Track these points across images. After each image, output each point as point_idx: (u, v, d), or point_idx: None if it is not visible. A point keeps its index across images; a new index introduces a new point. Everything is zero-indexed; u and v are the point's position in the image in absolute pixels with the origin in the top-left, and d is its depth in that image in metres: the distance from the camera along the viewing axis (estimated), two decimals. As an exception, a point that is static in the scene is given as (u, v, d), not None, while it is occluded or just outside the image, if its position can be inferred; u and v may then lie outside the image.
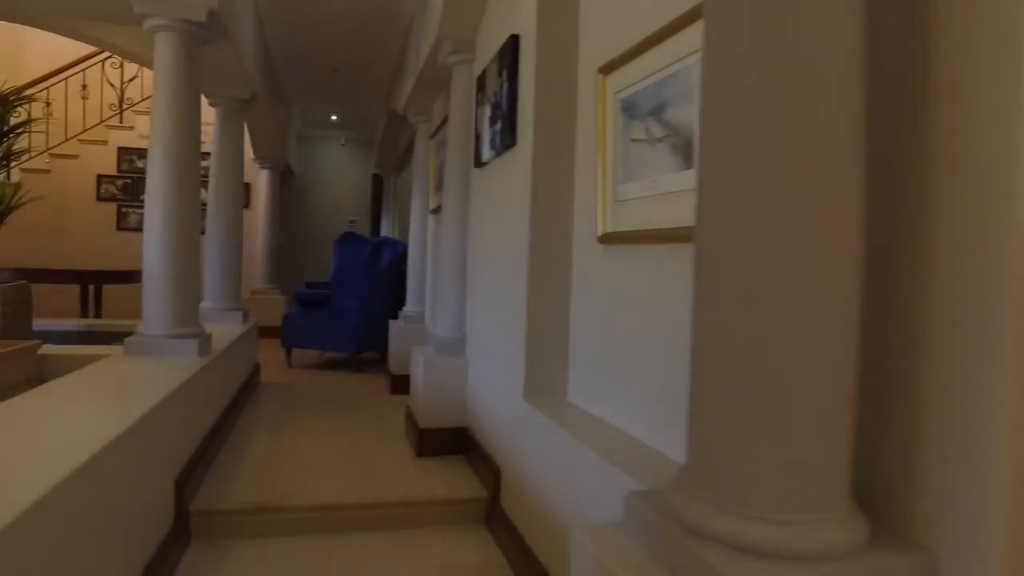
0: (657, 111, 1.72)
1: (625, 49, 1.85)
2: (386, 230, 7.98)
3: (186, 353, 2.89)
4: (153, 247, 2.91)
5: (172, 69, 2.94)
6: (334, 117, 8.13)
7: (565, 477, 1.88)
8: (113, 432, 1.68)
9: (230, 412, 3.46)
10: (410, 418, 3.42)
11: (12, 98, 3.59)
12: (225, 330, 3.91)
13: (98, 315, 5.66)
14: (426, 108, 4.58)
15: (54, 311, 5.72)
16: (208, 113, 4.46)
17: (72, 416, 1.97)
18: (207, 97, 4.36)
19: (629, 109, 1.87)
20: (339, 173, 9.14)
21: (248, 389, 4.18)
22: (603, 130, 2.01)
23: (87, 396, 2.22)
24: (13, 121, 3.68)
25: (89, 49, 6.81)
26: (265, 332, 7.22)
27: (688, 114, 1.57)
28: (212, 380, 3.03)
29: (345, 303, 5.25)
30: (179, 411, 2.41)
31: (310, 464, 2.97)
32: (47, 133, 6.86)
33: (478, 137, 2.95)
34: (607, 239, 2.00)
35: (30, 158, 6.83)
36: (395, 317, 5.88)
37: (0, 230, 6.76)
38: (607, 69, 1.97)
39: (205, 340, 3.04)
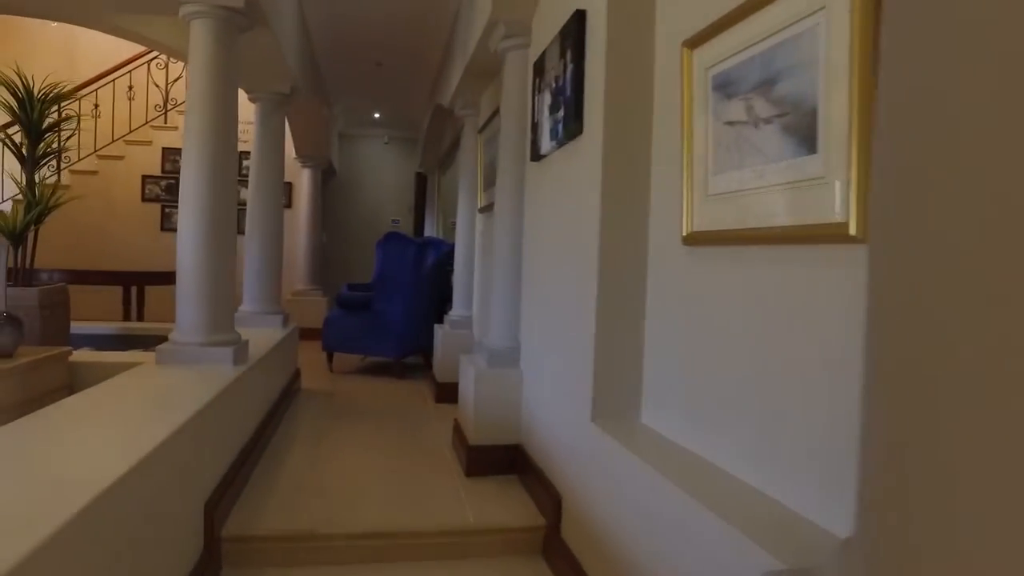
0: (764, 86, 1.43)
1: (720, 15, 1.57)
2: (430, 230, 7.79)
3: (220, 362, 2.70)
4: (187, 249, 2.73)
5: (208, 58, 2.75)
6: (377, 115, 7.97)
7: (643, 515, 1.61)
8: (138, 454, 1.52)
9: (267, 423, 3.27)
10: (459, 433, 3.18)
11: (51, 97, 3.46)
12: (263, 335, 3.73)
13: (140, 317, 5.58)
14: (474, 101, 4.35)
15: (98, 312, 5.67)
16: (248, 111, 4.31)
17: (95, 435, 1.78)
18: (246, 92, 4.20)
19: (724, 87, 1.59)
20: (382, 172, 8.99)
21: (287, 397, 4.01)
22: (688, 112, 1.73)
23: (112, 412, 2.03)
24: (53, 121, 3.54)
25: (136, 51, 6.80)
26: (306, 334, 7.07)
27: (810, 86, 1.28)
28: (248, 391, 2.83)
29: (388, 306, 5.05)
30: (211, 427, 2.21)
31: (351, 484, 2.75)
32: (95, 134, 6.86)
33: (535, 128, 2.69)
34: (694, 239, 1.72)
35: (79, 159, 6.88)
36: (439, 320, 5.68)
37: (48, 230, 6.80)
38: (695, 42, 1.69)
39: (241, 348, 2.85)
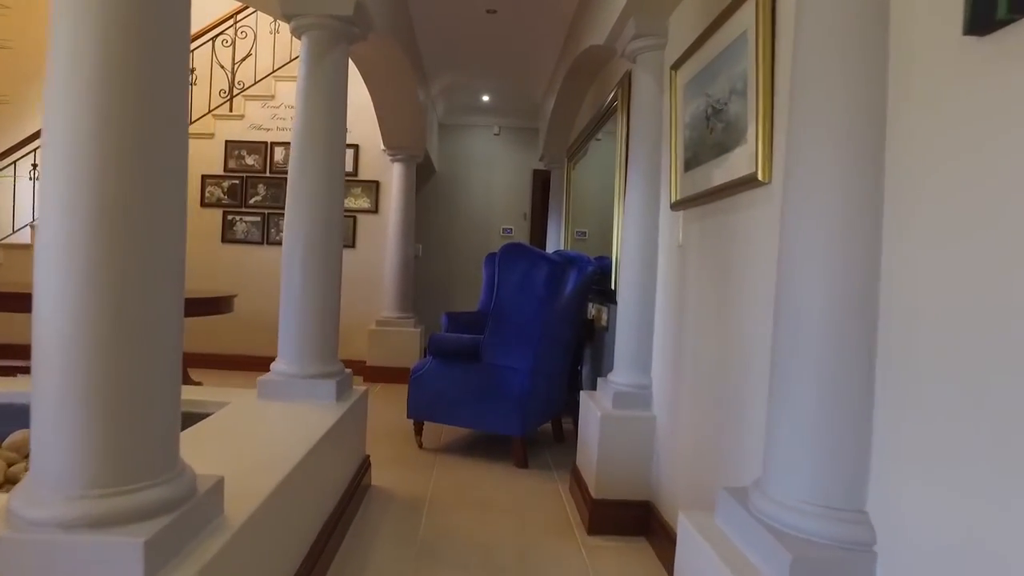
0: None
1: None
2: (553, 242, 6.06)
3: (120, 556, 1.06)
4: (43, 271, 1.12)
5: None
6: (486, 97, 6.36)
7: None
8: None
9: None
10: None
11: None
12: (299, 421, 2.12)
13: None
14: (658, 21, 2.59)
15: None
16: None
17: None
18: (285, 19, 2.63)
19: None
20: (491, 170, 7.34)
21: (344, 511, 2.37)
22: None
23: None
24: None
25: (199, 27, 5.62)
26: (393, 376, 5.52)
27: None
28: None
29: (506, 356, 3.33)
30: None
31: None
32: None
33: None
34: None
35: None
36: (578, 377, 4.00)
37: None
38: None
39: (204, 502, 1.21)
